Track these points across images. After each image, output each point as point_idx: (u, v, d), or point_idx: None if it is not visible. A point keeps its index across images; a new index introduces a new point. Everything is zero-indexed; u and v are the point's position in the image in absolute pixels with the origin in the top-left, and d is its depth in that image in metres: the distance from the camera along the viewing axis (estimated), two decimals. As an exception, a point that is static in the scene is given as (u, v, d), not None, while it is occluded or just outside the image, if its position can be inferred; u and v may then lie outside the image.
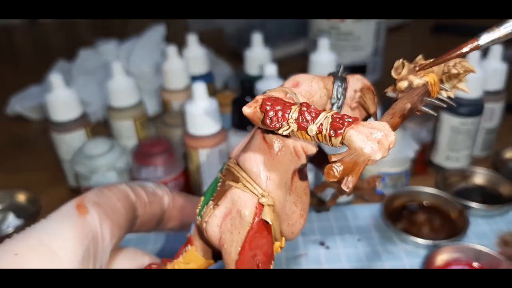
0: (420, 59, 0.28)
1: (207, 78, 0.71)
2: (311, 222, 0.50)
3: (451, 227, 0.48)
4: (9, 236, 0.23)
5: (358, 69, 0.76)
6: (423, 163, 0.58)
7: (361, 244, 0.47)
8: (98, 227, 0.25)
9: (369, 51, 0.75)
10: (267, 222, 0.26)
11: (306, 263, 0.45)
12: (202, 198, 0.28)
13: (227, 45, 1.02)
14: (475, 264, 0.43)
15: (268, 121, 0.23)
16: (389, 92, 0.28)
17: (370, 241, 0.47)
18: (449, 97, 0.28)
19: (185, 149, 0.52)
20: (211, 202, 0.27)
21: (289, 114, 0.22)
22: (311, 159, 0.32)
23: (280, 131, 0.23)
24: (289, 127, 0.22)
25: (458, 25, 1.09)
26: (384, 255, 0.45)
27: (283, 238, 0.28)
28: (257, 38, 0.68)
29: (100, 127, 0.71)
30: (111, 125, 0.60)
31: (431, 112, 0.27)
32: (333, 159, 0.20)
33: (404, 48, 1.05)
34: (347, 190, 0.20)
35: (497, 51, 0.56)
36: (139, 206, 0.28)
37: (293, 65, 0.80)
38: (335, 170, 0.20)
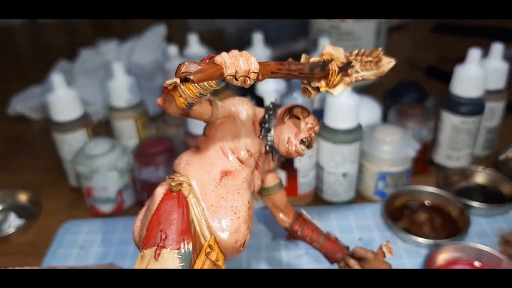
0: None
1: (208, 77, 0.71)
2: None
3: (452, 226, 0.48)
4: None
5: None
6: (424, 162, 0.58)
7: (362, 244, 0.47)
8: None
9: (370, 51, 0.75)
10: (183, 196, 0.28)
11: (306, 263, 0.45)
12: None
13: (228, 45, 1.02)
14: (476, 264, 0.43)
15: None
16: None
17: (371, 241, 0.47)
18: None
19: (187, 148, 0.52)
20: None
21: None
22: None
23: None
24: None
25: (458, 25, 1.09)
26: (385, 254, 0.45)
27: (213, 238, 0.28)
28: (257, 38, 0.68)
29: (101, 127, 0.71)
30: (112, 125, 0.61)
31: None
32: None
33: (405, 47, 1.05)
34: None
35: (498, 50, 0.56)
36: None
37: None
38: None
